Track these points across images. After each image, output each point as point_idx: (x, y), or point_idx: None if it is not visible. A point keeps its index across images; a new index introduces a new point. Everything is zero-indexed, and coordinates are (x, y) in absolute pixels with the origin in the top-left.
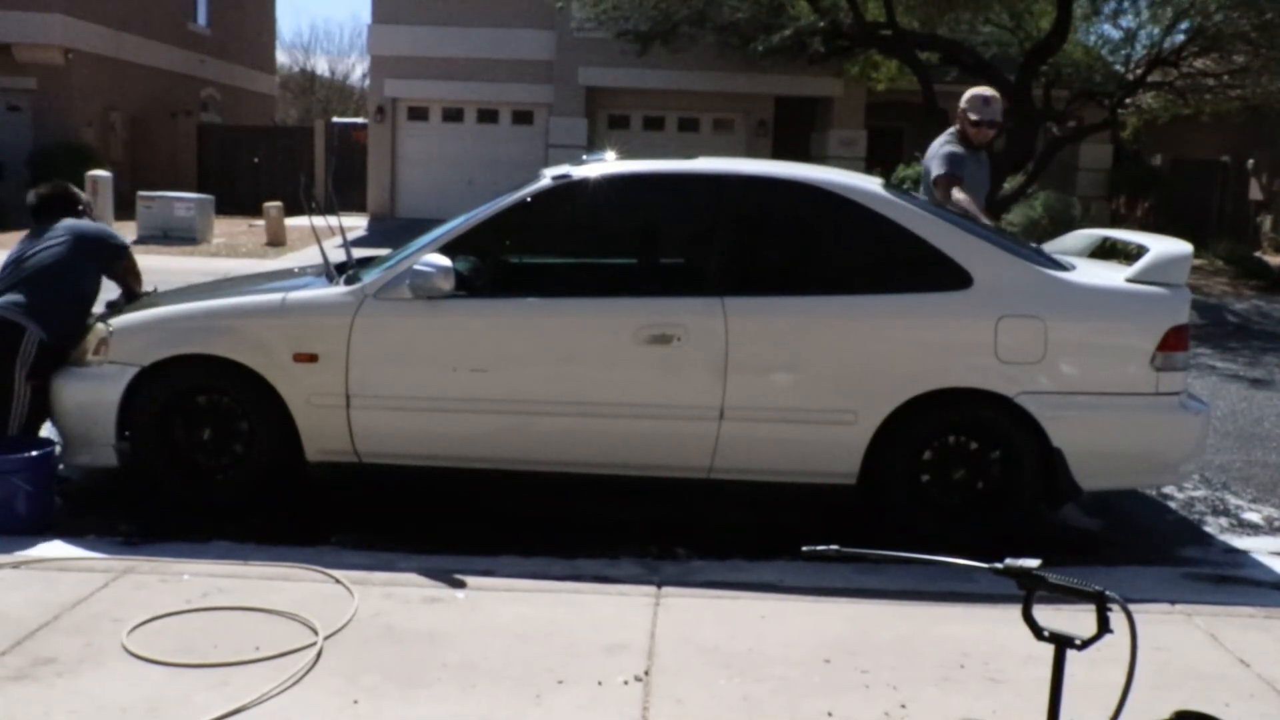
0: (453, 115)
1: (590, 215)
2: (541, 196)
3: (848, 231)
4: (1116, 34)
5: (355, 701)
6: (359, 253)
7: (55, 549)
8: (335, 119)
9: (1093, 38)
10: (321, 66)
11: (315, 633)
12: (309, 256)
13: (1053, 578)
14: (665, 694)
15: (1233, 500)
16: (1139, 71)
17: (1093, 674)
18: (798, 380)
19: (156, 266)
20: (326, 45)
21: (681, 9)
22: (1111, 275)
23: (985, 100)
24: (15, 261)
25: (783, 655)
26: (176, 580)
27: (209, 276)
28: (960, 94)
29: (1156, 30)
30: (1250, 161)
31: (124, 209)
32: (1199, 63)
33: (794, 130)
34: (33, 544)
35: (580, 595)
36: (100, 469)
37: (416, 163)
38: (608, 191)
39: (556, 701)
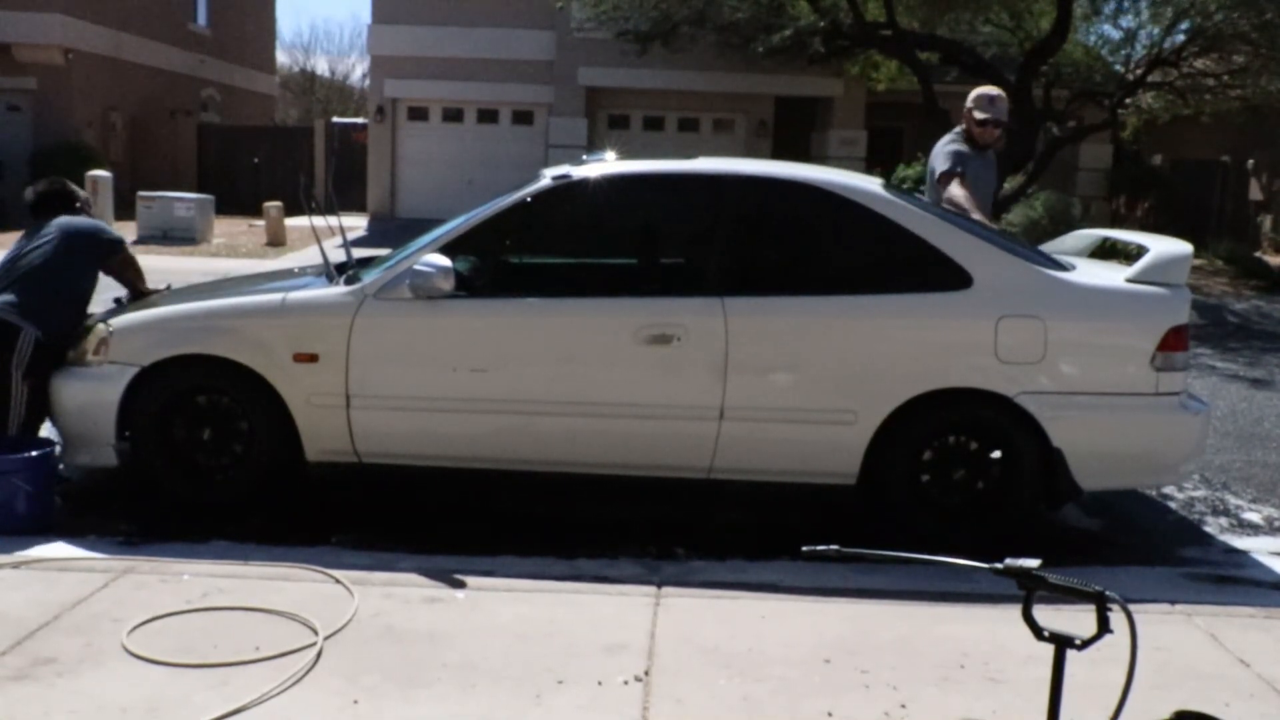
0: (453, 115)
1: (590, 215)
2: (541, 196)
3: (848, 231)
4: (1116, 34)
5: (355, 701)
6: (359, 253)
7: (55, 549)
8: (335, 119)
9: (1093, 38)
10: (321, 66)
11: (315, 633)
12: (309, 256)
13: (1053, 578)
14: (665, 694)
15: (1233, 500)
16: (1139, 71)
17: (1093, 674)
18: (798, 380)
19: (156, 266)
20: (326, 45)
21: (681, 9)
22: (1111, 275)
23: (991, 99)
24: (11, 261)
25: (783, 655)
26: (176, 580)
27: (209, 276)
28: (960, 94)
29: (1156, 30)
30: (1250, 161)
31: (124, 209)
32: (1199, 63)
33: (794, 130)
34: (33, 544)
35: (580, 595)
36: (100, 469)
37: (416, 163)
38: (608, 191)
39: (556, 701)
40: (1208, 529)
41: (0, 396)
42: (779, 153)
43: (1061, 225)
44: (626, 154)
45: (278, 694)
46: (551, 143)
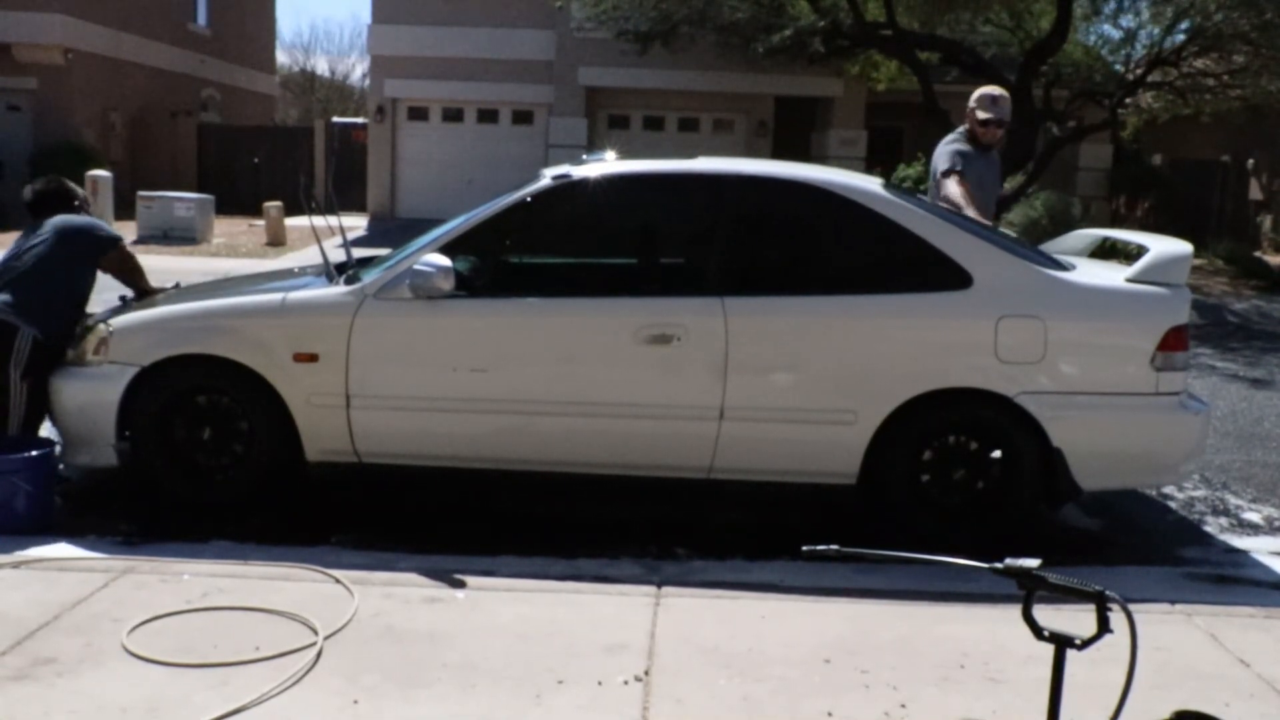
0: (453, 115)
1: (590, 215)
2: (541, 196)
3: (848, 231)
4: (1116, 34)
5: (355, 701)
6: (359, 253)
7: (55, 549)
8: (335, 119)
9: (1093, 38)
10: (321, 66)
11: (315, 633)
12: (309, 256)
13: (1053, 578)
14: (665, 694)
15: (1233, 500)
16: (1139, 71)
17: (1093, 674)
18: (798, 380)
19: (156, 266)
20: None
21: (681, 9)
22: (1111, 275)
23: (994, 99)
24: (8, 260)
25: (783, 655)
26: (176, 580)
27: (209, 276)
28: (960, 94)
29: (1156, 30)
30: (1250, 161)
31: (124, 209)
32: (1199, 63)
33: (794, 130)
34: (33, 544)
35: (580, 595)
36: (100, 469)
37: (416, 163)
38: (608, 191)
39: (556, 701)
40: (1208, 529)
41: None
42: (779, 153)
43: (1061, 225)
44: (626, 154)
45: (278, 694)
46: (551, 143)
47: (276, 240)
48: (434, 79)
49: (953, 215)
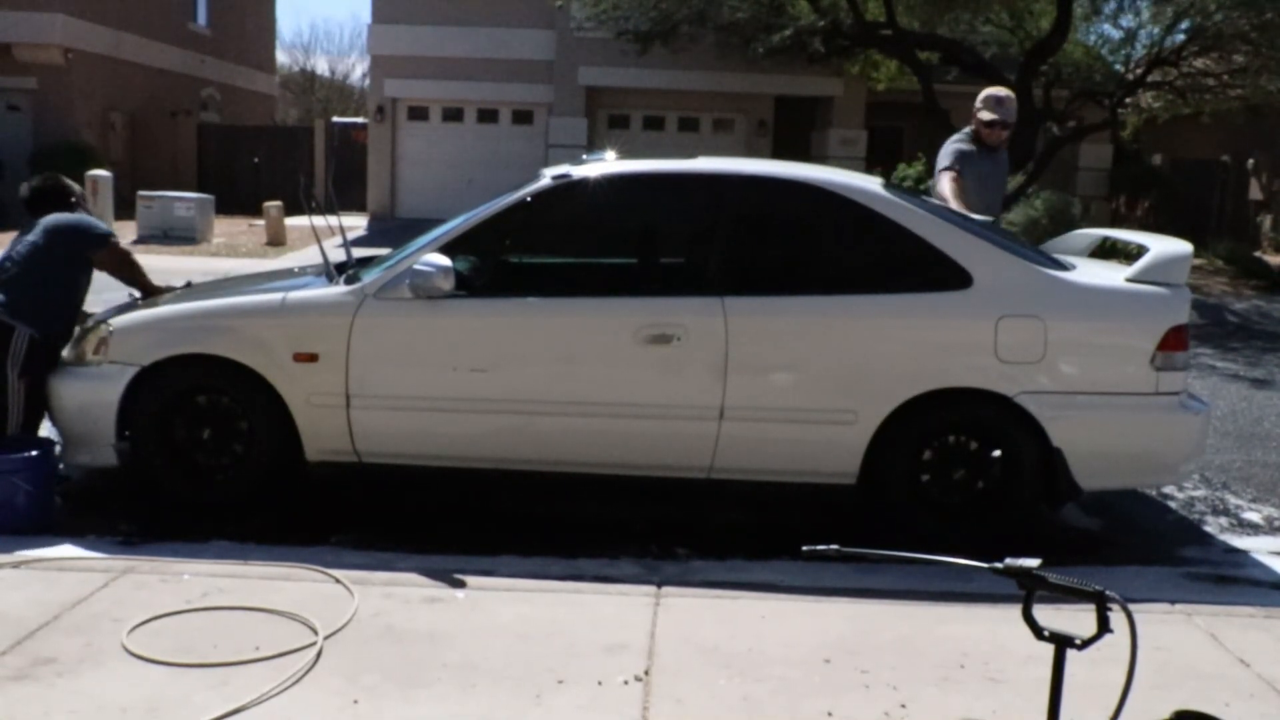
0: (453, 115)
1: (590, 215)
2: (541, 196)
3: (848, 231)
4: (1116, 34)
5: (355, 701)
6: (359, 252)
7: (55, 549)
8: (335, 119)
9: (1093, 37)
10: (321, 66)
11: (315, 633)
12: (309, 256)
13: (1053, 577)
14: (665, 694)
15: (1233, 500)
16: (1139, 71)
17: (1093, 674)
18: (798, 380)
19: (157, 266)
20: (326, 45)
21: (681, 9)
22: (1111, 275)
23: (999, 100)
24: (3, 260)
25: (783, 655)
26: (176, 580)
27: (209, 276)
28: (961, 94)
29: (1156, 30)
30: (1250, 161)
31: (124, 209)
32: (1199, 62)
33: (794, 130)
34: (33, 544)
35: (580, 595)
36: (100, 469)
37: (416, 162)
38: (608, 191)
39: (557, 701)
40: (1208, 529)
41: None
42: (779, 152)
43: (1061, 225)
44: (626, 153)
45: (278, 694)
46: (551, 142)
47: (276, 240)
48: (434, 79)
49: (953, 215)
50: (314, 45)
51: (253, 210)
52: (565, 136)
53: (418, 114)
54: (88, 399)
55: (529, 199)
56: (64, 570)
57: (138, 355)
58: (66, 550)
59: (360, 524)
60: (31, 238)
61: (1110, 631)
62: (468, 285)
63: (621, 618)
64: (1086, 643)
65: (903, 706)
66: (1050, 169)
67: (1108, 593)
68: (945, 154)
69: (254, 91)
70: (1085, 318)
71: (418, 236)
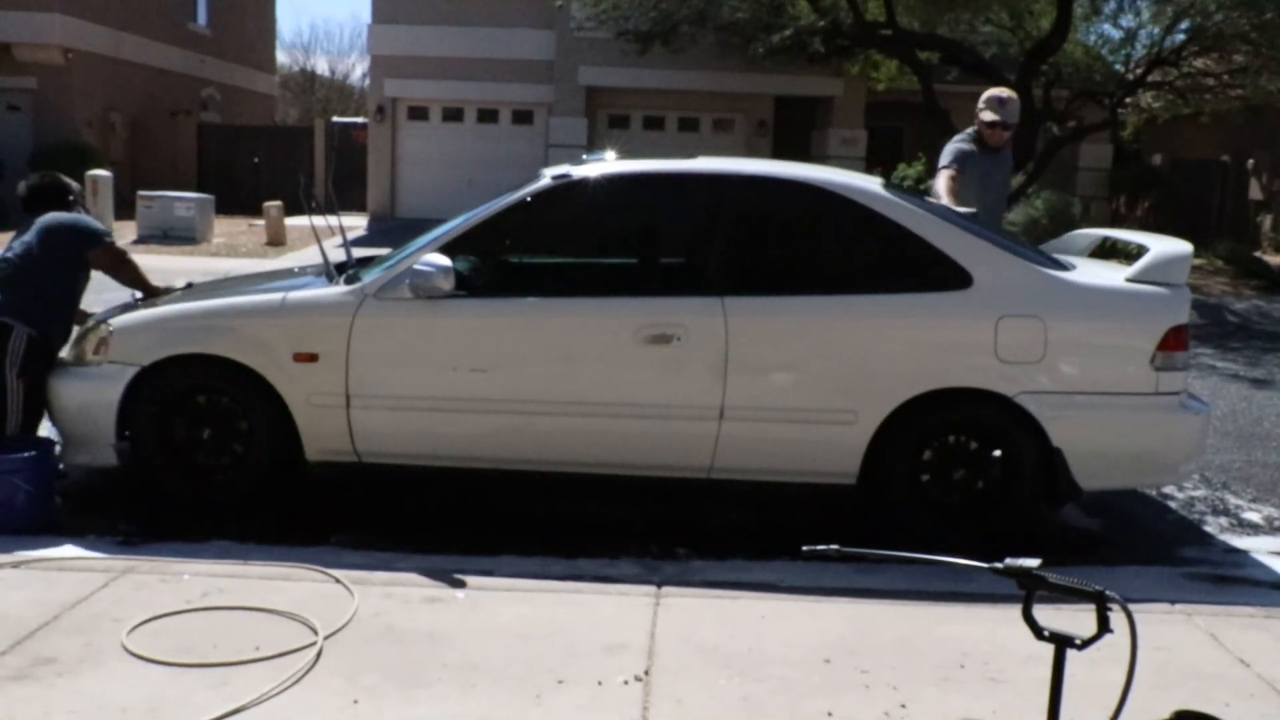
0: (453, 115)
1: (590, 215)
2: (541, 196)
3: (848, 231)
4: (1117, 34)
5: (355, 701)
6: (359, 252)
7: (55, 549)
8: (335, 119)
9: (1093, 37)
10: (321, 66)
11: (315, 633)
12: (309, 256)
13: (1053, 577)
14: (665, 694)
15: (1233, 500)
16: (1139, 71)
17: (1093, 674)
18: (798, 380)
19: (156, 266)
20: (326, 45)
21: (681, 9)
22: (1111, 275)
23: (1001, 101)
24: (2, 260)
25: (783, 655)
26: (176, 580)
27: (209, 276)
28: (961, 94)
29: (1156, 30)
30: (1250, 161)
31: (124, 209)
32: (1199, 62)
33: (794, 130)
34: (32, 544)
35: (580, 595)
36: (100, 468)
37: (416, 162)
38: (608, 191)
39: (557, 701)
40: (1208, 529)
41: None
42: (779, 152)
43: (1061, 225)
44: (626, 153)
45: (278, 694)
46: (551, 142)
47: (276, 240)
48: (434, 79)
49: (953, 215)
50: (314, 45)
51: (253, 210)
52: (565, 136)
53: (418, 114)
54: (88, 399)
55: (529, 199)
56: (64, 570)
57: (138, 355)
58: (66, 550)
59: (360, 524)
60: (27, 237)
61: (1110, 631)
62: (468, 285)
63: (621, 618)
64: (1086, 643)
65: (903, 706)
66: (1050, 169)
67: (1108, 593)
68: (946, 153)
69: (254, 91)
70: (1085, 318)
71: (418, 236)
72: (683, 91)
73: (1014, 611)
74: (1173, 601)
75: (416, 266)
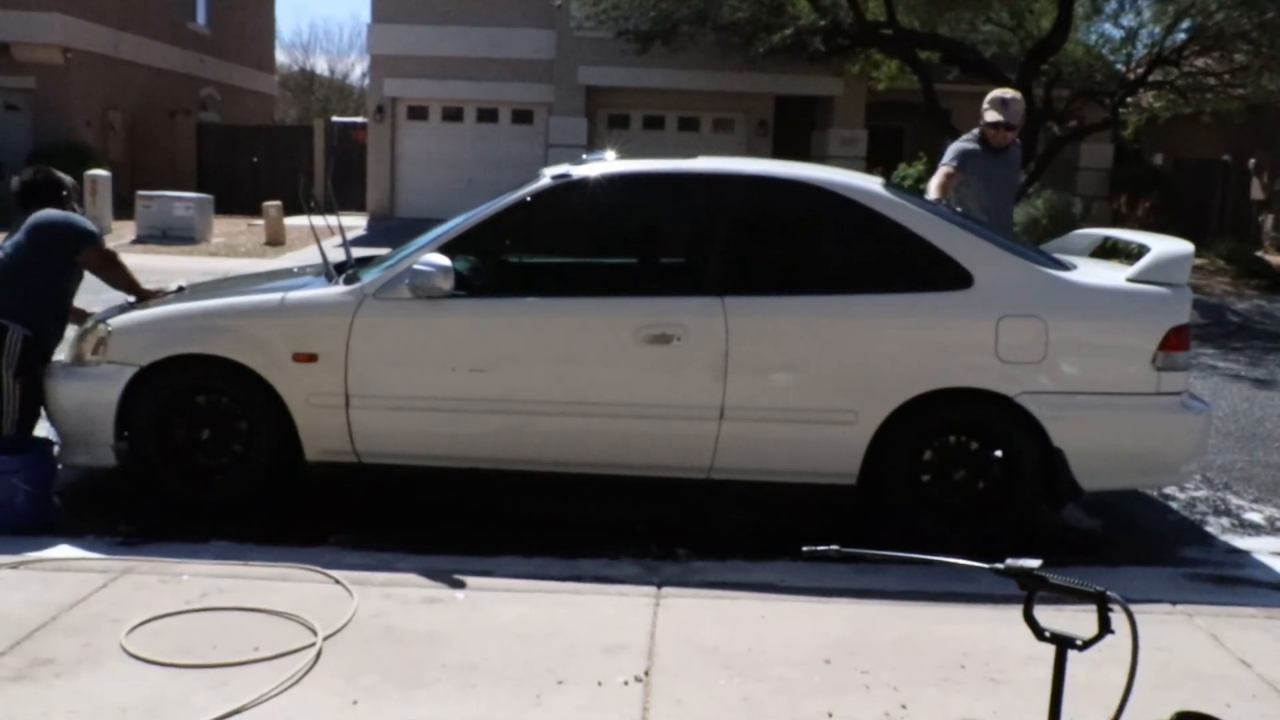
0: (452, 115)
1: (590, 215)
2: (541, 196)
3: (848, 231)
4: (1117, 33)
5: (355, 702)
6: (358, 252)
7: (54, 549)
8: (335, 118)
9: (1094, 37)
10: (321, 66)
11: (314, 633)
12: (308, 256)
13: (1054, 578)
14: (665, 694)
15: (1234, 500)
16: (1140, 71)
17: (1094, 674)
18: (798, 380)
19: (156, 266)
20: (326, 44)
21: (681, 8)
22: (1112, 275)
23: (1004, 102)
24: None
25: (783, 655)
26: (175, 580)
27: (208, 276)
28: (961, 93)
29: (1157, 29)
30: (1251, 161)
31: (123, 208)
32: (1200, 62)
33: (794, 129)
34: (31, 544)
35: (580, 595)
36: (99, 469)
37: (416, 162)
38: (608, 191)
39: (556, 702)
40: (1209, 529)
41: None
42: (779, 152)
43: (1062, 225)
44: (626, 153)
45: (277, 694)
46: (551, 142)
47: (276, 240)
48: (433, 78)
49: (954, 215)
50: (313, 45)
51: (252, 210)
52: (565, 136)
53: (417, 113)
54: (86, 399)
55: (529, 199)
56: (62, 571)
57: (137, 355)
58: (65, 551)
59: (359, 524)
60: (18, 236)
61: (1111, 632)
62: (467, 285)
63: (621, 618)
64: (1088, 643)
65: (903, 707)
66: (1051, 169)
67: (1109, 593)
68: (947, 152)
69: (253, 91)
70: (1086, 318)
71: (417, 236)
72: (683, 91)
73: (1015, 612)
74: (1174, 602)
75: (416, 266)
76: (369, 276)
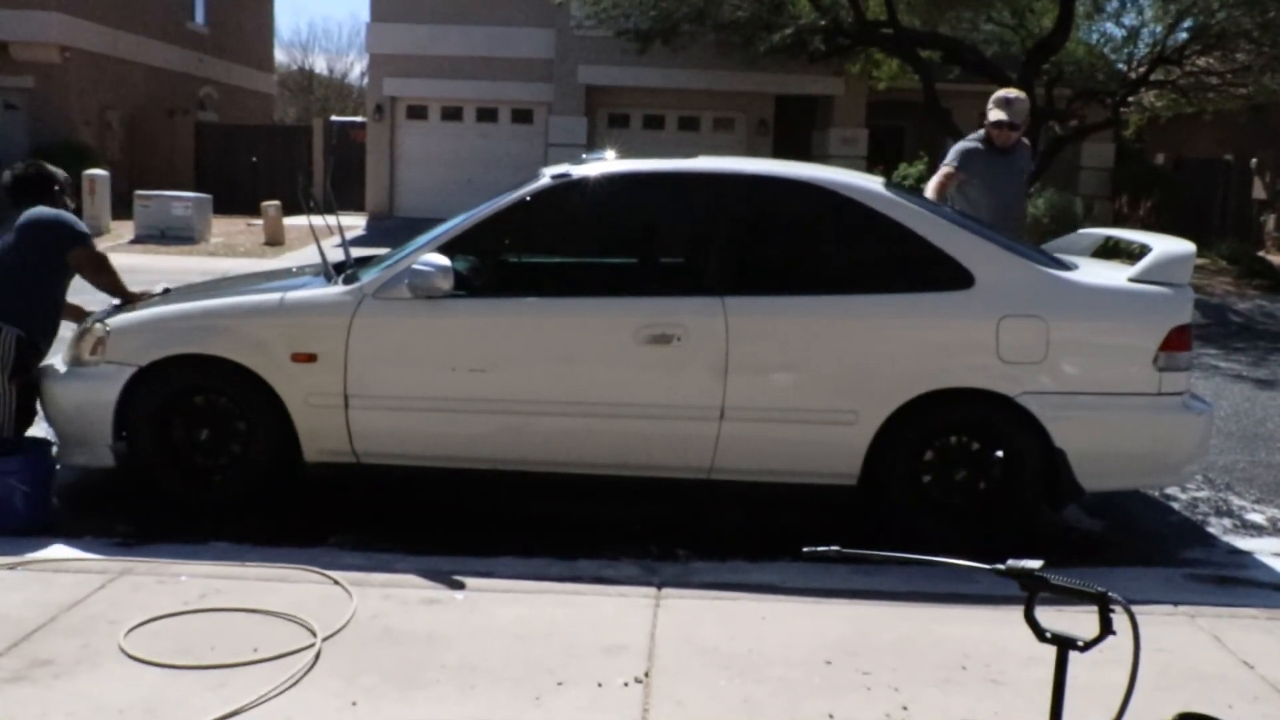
0: (452, 114)
1: (590, 215)
2: (541, 196)
3: (849, 231)
4: (1119, 32)
5: (354, 703)
6: (357, 252)
7: (52, 550)
8: (334, 118)
9: (1095, 36)
10: (320, 65)
11: (313, 634)
12: (307, 256)
13: (1055, 579)
14: (665, 695)
15: (1236, 501)
16: (1142, 70)
17: (1095, 675)
18: (798, 380)
19: (154, 266)
20: (325, 44)
21: (681, 7)
22: (1114, 275)
23: (1008, 101)
24: None
25: (783, 656)
26: (174, 581)
27: (207, 276)
28: (962, 93)
29: (1159, 28)
30: (1253, 160)
31: (121, 208)
32: (1202, 61)
33: (795, 129)
34: (30, 545)
35: (580, 596)
36: (97, 469)
37: (415, 162)
38: (607, 191)
39: (556, 703)
40: (1211, 530)
41: None
42: (779, 151)
43: (1064, 224)
44: (626, 153)
45: (276, 695)
46: (551, 141)
47: (275, 240)
48: (433, 77)
49: (955, 215)
50: (312, 44)
51: (251, 210)
52: (565, 136)
53: (416, 113)
54: (85, 399)
55: (528, 198)
56: (61, 571)
57: (135, 355)
58: (63, 551)
59: (358, 525)
60: (9, 236)
61: (1113, 633)
62: (467, 285)
63: (621, 619)
64: (1089, 644)
65: (904, 708)
66: (1053, 168)
67: (1110, 594)
68: (950, 152)
69: (252, 90)
70: (1088, 318)
71: (416, 236)
72: (683, 90)
73: (1016, 613)
74: (1175, 603)
75: (415, 266)
76: (368, 276)
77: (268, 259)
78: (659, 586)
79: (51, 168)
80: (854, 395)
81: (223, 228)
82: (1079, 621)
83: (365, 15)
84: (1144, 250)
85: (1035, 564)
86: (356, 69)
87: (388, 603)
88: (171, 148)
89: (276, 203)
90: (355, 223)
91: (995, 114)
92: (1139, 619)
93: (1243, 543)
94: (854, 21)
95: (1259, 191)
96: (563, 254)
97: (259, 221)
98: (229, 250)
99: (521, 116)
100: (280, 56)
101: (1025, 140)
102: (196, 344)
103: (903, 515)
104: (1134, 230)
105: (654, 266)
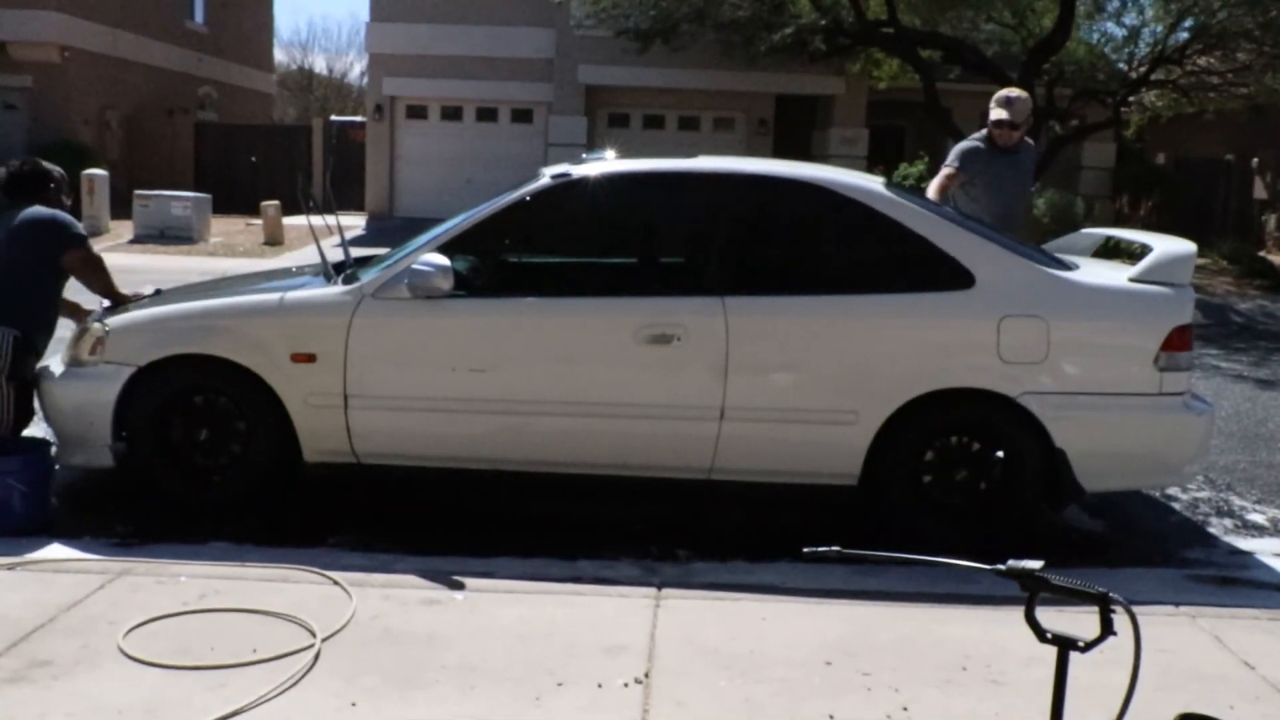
0: (451, 114)
1: (590, 214)
2: (541, 195)
3: (849, 231)
4: (1120, 32)
5: (353, 703)
6: (357, 252)
7: (51, 550)
8: (333, 117)
9: (1096, 36)
10: (319, 65)
11: (313, 635)
12: (307, 256)
13: (1056, 579)
14: (666, 696)
15: (1237, 501)
16: (1142, 70)
17: (1096, 676)
18: (799, 380)
19: (153, 266)
20: (325, 43)
21: (681, 7)
22: (1115, 275)
23: (1009, 100)
24: None
25: (784, 657)
26: (173, 582)
27: (206, 276)
28: (962, 92)
29: (1160, 28)
30: (1255, 160)
31: (121, 208)
32: (1203, 61)
33: (795, 129)
34: (29, 545)
35: (580, 597)
36: (97, 469)
37: (415, 161)
38: (608, 190)
39: (556, 703)
40: (1212, 530)
41: None
42: (780, 151)
43: (1065, 224)
44: (626, 152)
45: (276, 696)
46: (551, 141)
47: (274, 239)
48: (433, 77)
49: (955, 214)
50: (312, 43)
51: (250, 209)
52: (565, 135)
53: (416, 113)
54: (84, 399)
55: (528, 198)
56: (60, 572)
57: (134, 355)
58: (63, 552)
59: (358, 525)
60: (5, 235)
61: (1114, 634)
62: (467, 285)
63: (621, 619)
64: (1090, 645)
65: (905, 709)
66: (1053, 168)
67: (1111, 594)
68: (952, 153)
69: (252, 90)
70: (1088, 318)
71: (416, 236)
72: (683, 90)
73: (1016, 613)
74: (1176, 603)
75: (415, 266)
76: (368, 276)
77: (267, 259)
78: (659, 587)
79: (47, 165)
80: (854, 395)
81: (222, 227)
82: (1079, 622)
83: (365, 15)
84: (1145, 250)
85: (1036, 564)
86: (356, 69)
87: (387, 603)
88: (171, 147)
89: (276, 203)
90: (355, 222)
91: (997, 113)
92: (1140, 619)
93: (1244, 543)
94: (854, 21)
95: (1260, 191)
96: (563, 254)
97: (258, 221)
98: (228, 250)
99: (521, 116)
100: (280, 56)
101: (1029, 139)
102: (196, 344)
103: (903, 515)
104: (1135, 230)
105: (654, 266)
